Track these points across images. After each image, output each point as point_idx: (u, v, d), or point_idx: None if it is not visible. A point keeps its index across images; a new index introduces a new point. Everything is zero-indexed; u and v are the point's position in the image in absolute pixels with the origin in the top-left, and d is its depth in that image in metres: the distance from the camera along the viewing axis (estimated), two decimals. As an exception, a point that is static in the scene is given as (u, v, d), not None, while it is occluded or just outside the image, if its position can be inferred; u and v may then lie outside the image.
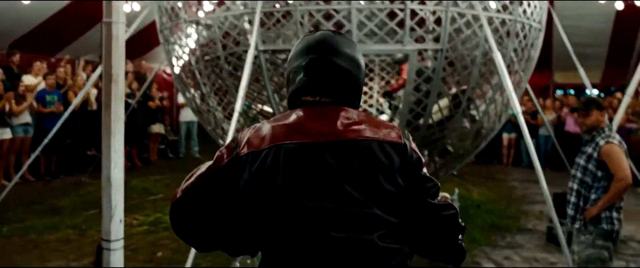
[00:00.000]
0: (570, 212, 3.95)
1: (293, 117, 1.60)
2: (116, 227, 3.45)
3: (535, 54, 6.54)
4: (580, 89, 16.74)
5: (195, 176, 1.61)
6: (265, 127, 1.59)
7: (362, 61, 1.70)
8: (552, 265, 5.52)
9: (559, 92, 16.04)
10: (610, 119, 11.19)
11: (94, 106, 10.45)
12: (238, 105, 4.99)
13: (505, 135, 12.91)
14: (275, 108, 5.88)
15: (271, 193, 1.50)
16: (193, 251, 4.21)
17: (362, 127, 1.55)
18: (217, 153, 1.63)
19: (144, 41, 13.31)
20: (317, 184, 1.49)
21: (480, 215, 7.56)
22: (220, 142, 6.94)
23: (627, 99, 7.24)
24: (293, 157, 1.51)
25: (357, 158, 1.51)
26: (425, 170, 1.62)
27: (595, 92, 16.45)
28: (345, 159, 1.51)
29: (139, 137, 11.76)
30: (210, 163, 1.62)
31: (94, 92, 10.51)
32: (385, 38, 5.65)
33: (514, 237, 6.46)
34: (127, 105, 11.07)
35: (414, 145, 1.62)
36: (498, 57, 5.07)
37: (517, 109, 5.00)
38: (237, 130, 6.74)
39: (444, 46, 5.52)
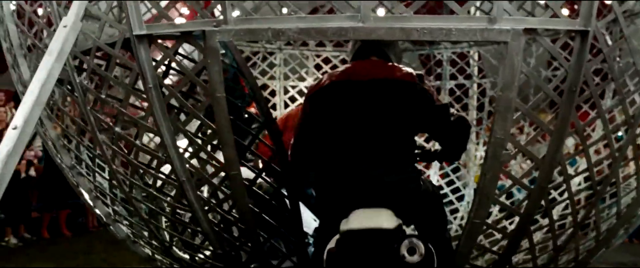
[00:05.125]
0: None
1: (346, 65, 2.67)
2: None
3: None
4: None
5: (295, 136, 2.66)
6: (326, 75, 2.61)
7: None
8: None
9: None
10: None
11: None
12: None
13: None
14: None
15: (327, 114, 2.51)
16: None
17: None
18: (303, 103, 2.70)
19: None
20: (351, 110, 2.47)
21: None
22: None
23: None
24: (339, 87, 2.51)
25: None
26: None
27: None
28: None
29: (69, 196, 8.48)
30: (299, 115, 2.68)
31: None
32: (454, 6, 2.44)
33: None
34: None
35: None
36: None
37: None
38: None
39: (593, 25, 2.37)
